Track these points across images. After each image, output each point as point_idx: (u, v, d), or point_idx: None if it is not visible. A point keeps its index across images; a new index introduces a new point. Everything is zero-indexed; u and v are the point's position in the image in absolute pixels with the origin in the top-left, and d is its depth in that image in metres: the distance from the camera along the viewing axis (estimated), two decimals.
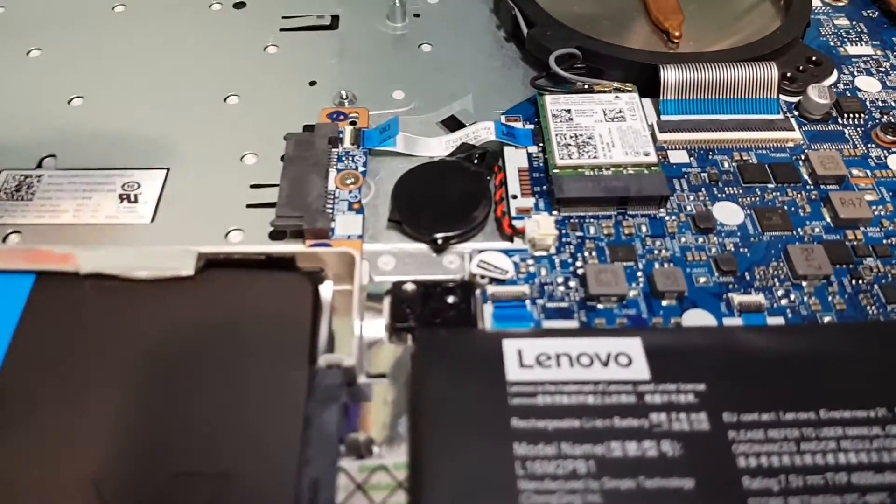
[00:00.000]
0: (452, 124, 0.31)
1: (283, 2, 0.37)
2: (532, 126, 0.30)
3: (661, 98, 0.30)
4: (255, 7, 0.37)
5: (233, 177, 0.28)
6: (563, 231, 0.26)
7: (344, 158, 0.28)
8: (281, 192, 0.26)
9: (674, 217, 0.27)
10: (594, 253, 0.25)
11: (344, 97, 0.31)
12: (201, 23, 0.35)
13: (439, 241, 0.25)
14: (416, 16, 0.36)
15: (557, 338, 0.22)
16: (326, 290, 0.23)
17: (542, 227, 0.25)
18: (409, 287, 0.24)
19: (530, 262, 0.25)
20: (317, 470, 0.19)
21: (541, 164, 0.28)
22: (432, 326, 0.23)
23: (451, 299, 0.24)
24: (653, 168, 0.27)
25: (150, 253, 0.22)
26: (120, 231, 0.26)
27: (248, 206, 0.27)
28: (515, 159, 0.29)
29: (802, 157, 0.29)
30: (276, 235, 0.26)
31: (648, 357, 0.21)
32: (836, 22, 0.37)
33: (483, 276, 0.25)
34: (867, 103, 0.32)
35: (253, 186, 0.27)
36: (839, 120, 0.31)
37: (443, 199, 0.26)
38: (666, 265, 0.25)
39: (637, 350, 0.21)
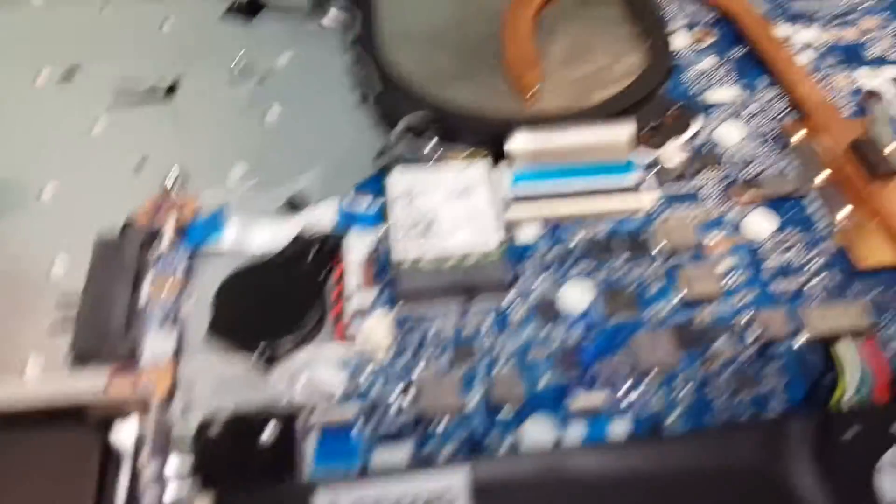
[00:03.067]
0: (296, 204, 0.29)
1: (117, 68, 0.34)
2: (381, 201, 0.28)
3: (512, 168, 0.28)
4: (87, 76, 0.33)
5: (38, 288, 0.25)
6: (406, 327, 0.24)
7: (161, 262, 0.26)
8: (79, 315, 0.23)
9: (519, 302, 0.25)
10: (435, 354, 0.24)
11: (173, 183, 0.29)
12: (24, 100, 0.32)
13: (265, 354, 0.23)
14: (263, 78, 0.34)
15: (375, 483, 0.20)
16: (129, 431, 0.21)
17: (373, 336, 0.24)
18: (215, 431, 0.21)
19: (366, 372, 0.23)
20: None
21: (387, 249, 0.27)
22: (241, 478, 0.21)
23: (266, 435, 0.21)
24: (496, 254, 0.25)
25: None
26: None
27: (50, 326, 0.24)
28: (358, 246, 0.27)
29: (654, 227, 0.28)
30: (79, 362, 0.23)
31: (474, 495, 0.20)
32: (700, 65, 0.35)
33: (308, 401, 0.23)
34: (726, 156, 0.31)
35: (60, 300, 0.25)
36: (697, 177, 0.30)
37: (271, 305, 0.24)
38: (508, 365, 0.24)
39: (460, 488, 0.20)
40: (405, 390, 0.23)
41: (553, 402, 0.23)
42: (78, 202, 0.28)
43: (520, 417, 0.23)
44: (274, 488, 0.20)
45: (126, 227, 0.26)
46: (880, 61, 0.35)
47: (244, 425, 0.21)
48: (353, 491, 0.20)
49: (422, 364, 0.24)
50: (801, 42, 0.36)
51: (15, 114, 0.32)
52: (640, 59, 0.34)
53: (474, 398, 0.23)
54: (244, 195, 0.29)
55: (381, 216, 0.28)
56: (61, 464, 0.19)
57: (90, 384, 0.21)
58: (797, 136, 0.31)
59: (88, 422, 0.20)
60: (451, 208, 0.27)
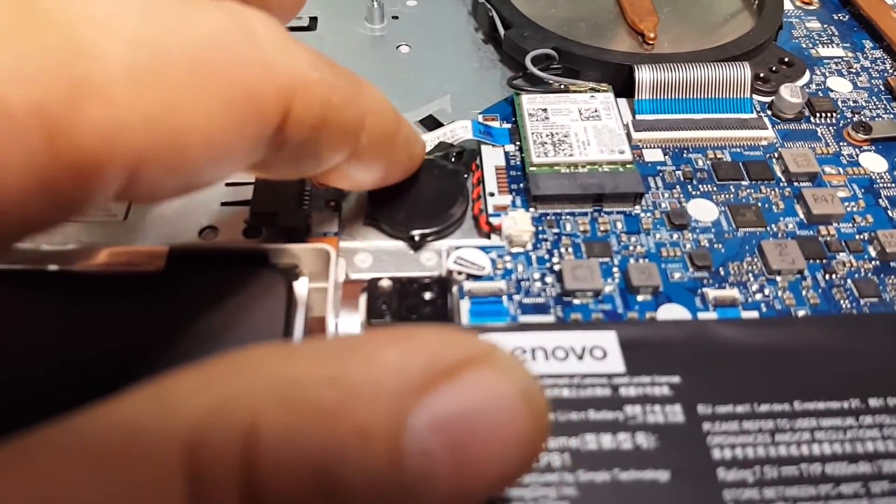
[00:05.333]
0: (430, 123, 0.31)
1: None
2: (509, 125, 0.30)
3: (636, 98, 0.30)
4: None
5: None
6: (540, 228, 0.26)
7: None
8: (256, 188, 0.25)
9: (648, 214, 0.27)
10: (570, 249, 0.26)
11: None
12: None
13: (416, 238, 0.25)
14: (395, 17, 0.36)
15: (532, 332, 0.22)
16: (302, 286, 0.23)
17: (518, 223, 0.25)
18: (385, 283, 0.24)
19: (507, 258, 0.25)
20: None
21: (518, 163, 0.29)
22: (408, 322, 0.23)
23: (427, 295, 0.24)
24: (628, 166, 0.27)
25: (118, 249, 0.22)
26: (91, 228, 0.26)
27: (223, 203, 0.27)
28: (493, 158, 0.29)
29: (776, 154, 0.29)
30: (252, 233, 0.25)
31: (623, 350, 0.21)
32: (807, 25, 0.37)
33: (460, 273, 0.25)
34: (839, 103, 0.32)
35: (228, 184, 0.27)
36: (811, 119, 0.31)
37: (420, 197, 0.26)
38: (641, 261, 0.25)
39: (612, 343, 0.21)
40: (547, 272, 0.25)
41: (686, 293, 0.24)
42: None
43: (656, 302, 0.24)
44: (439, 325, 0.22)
45: None
46: None
47: (406, 284, 0.23)
48: (511, 336, 0.21)
49: (559, 254, 0.25)
50: None
51: None
52: (753, 14, 0.35)
53: (612, 284, 0.24)
54: None
55: (510, 138, 0.30)
56: (253, 293, 0.21)
57: (271, 243, 0.24)
58: None
59: (274, 267, 0.22)
60: (582, 126, 0.28)
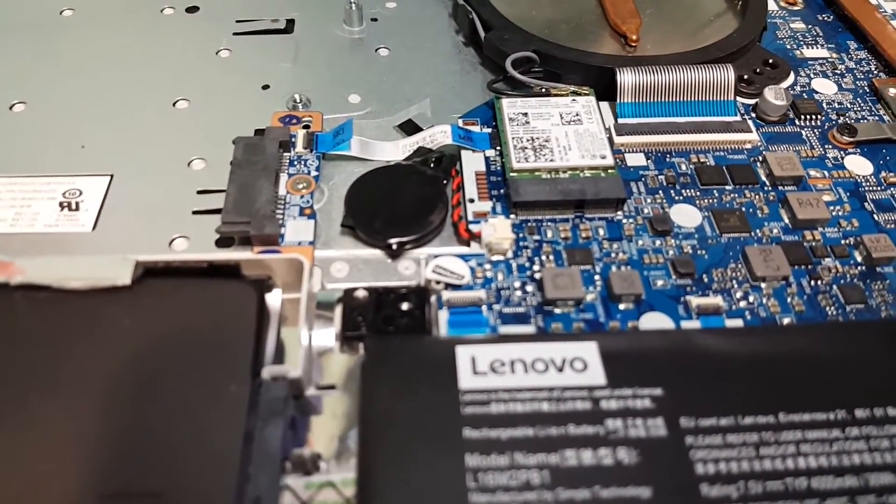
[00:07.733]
0: (409, 128, 0.30)
1: (237, 6, 0.36)
2: (490, 130, 0.30)
3: (618, 101, 0.29)
4: (209, 11, 0.36)
5: (179, 183, 0.27)
6: (520, 235, 0.26)
7: (296, 163, 0.27)
8: (228, 197, 0.25)
9: (631, 220, 0.26)
10: (551, 257, 0.25)
11: (297, 101, 0.31)
12: (152, 27, 0.35)
13: (394, 247, 0.25)
14: (374, 20, 0.36)
15: (512, 343, 0.21)
16: (275, 298, 0.22)
17: (498, 230, 0.25)
18: (361, 294, 0.23)
19: (487, 266, 0.25)
20: (258, 488, 0.18)
21: (498, 168, 0.28)
22: (384, 334, 0.22)
23: (404, 306, 0.23)
24: (609, 171, 0.26)
25: (84, 262, 0.21)
26: (59, 240, 0.25)
27: (195, 212, 0.26)
28: (473, 163, 0.28)
29: (760, 158, 0.29)
30: (224, 242, 0.25)
31: (604, 361, 0.21)
32: (792, 25, 0.37)
33: (438, 282, 0.24)
34: (823, 105, 0.32)
35: (200, 192, 0.27)
36: (796, 121, 0.31)
37: (398, 204, 0.26)
38: (623, 268, 0.25)
39: (593, 354, 0.21)
40: (528, 281, 0.24)
41: (669, 301, 0.24)
42: (209, 114, 0.30)
43: (638, 311, 0.23)
44: (419, 340, 0.21)
45: (265, 129, 0.28)
46: None
47: (383, 295, 0.23)
48: (490, 348, 0.21)
49: (540, 262, 0.25)
50: (890, 10, 0.37)
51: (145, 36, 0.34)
52: (737, 15, 0.35)
53: (594, 292, 0.24)
54: (359, 122, 0.30)
55: (490, 142, 0.29)
56: (224, 307, 0.21)
57: (242, 252, 0.23)
58: (893, 90, 0.32)
59: (245, 279, 0.22)
60: (563, 131, 0.28)
